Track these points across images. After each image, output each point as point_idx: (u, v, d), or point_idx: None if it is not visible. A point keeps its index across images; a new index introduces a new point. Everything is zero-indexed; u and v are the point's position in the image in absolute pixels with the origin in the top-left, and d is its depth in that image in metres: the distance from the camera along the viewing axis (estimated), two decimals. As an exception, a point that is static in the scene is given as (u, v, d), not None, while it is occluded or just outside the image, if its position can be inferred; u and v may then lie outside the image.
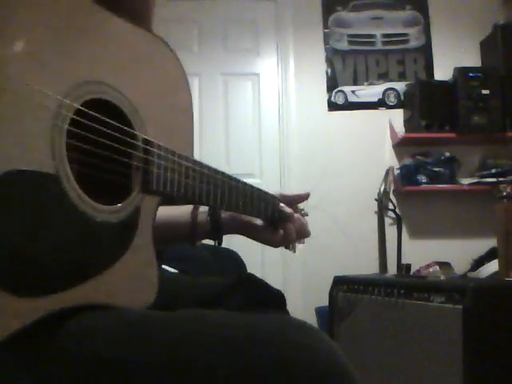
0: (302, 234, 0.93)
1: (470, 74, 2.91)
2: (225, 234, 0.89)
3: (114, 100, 0.59)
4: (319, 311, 2.73)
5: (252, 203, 0.82)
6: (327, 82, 3.28)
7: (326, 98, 3.26)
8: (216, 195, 0.74)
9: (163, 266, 1.30)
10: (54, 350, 0.50)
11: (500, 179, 2.79)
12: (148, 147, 0.62)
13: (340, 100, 3.26)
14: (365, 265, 2.75)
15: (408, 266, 2.69)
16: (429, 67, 3.29)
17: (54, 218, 0.51)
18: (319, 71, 3.29)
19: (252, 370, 0.46)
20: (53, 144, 0.51)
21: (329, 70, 3.29)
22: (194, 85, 3.32)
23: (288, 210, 0.90)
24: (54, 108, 0.51)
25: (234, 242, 1.28)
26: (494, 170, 2.96)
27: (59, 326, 0.51)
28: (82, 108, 0.54)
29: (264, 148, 3.28)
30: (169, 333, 0.50)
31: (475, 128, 2.87)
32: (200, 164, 0.72)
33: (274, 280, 0.83)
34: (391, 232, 2.93)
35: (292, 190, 3.46)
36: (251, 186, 0.83)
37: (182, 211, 0.87)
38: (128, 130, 0.60)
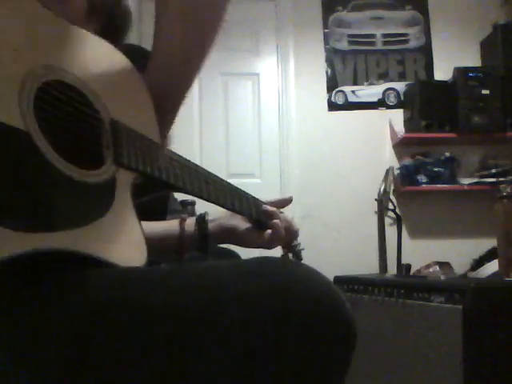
0: (291, 232, 0.94)
1: (470, 74, 2.91)
2: (212, 244, 0.90)
3: (76, 84, 0.62)
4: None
5: (232, 198, 0.83)
6: (327, 82, 3.27)
7: (326, 98, 3.26)
8: (192, 182, 0.74)
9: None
10: (55, 304, 0.51)
11: (500, 179, 2.79)
12: (115, 125, 0.64)
13: (340, 100, 3.26)
14: (365, 265, 2.75)
15: (408, 266, 2.69)
16: (429, 67, 3.29)
17: (30, 170, 0.53)
18: (319, 71, 3.29)
19: (239, 302, 0.49)
20: (21, 104, 0.54)
21: (329, 70, 3.29)
22: (194, 85, 3.32)
23: (270, 208, 0.91)
24: (23, 74, 0.55)
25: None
26: (494, 170, 2.96)
27: (58, 280, 0.53)
28: (49, 81, 0.58)
29: (264, 148, 3.28)
30: (157, 275, 0.53)
31: (475, 128, 2.87)
32: (169, 150, 0.73)
33: (274, 280, 0.83)
34: (391, 232, 2.93)
35: (292, 190, 3.44)
36: (228, 183, 0.84)
37: (169, 224, 0.88)
38: (94, 107, 0.63)
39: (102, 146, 0.63)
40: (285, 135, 3.27)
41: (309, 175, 3.20)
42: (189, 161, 0.76)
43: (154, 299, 0.50)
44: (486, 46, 3.18)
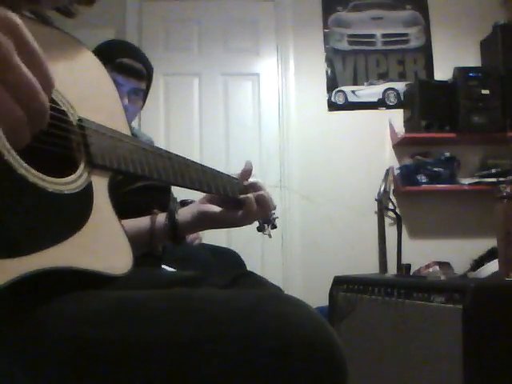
0: (265, 206, 0.92)
1: (470, 74, 2.91)
2: (186, 233, 0.91)
3: None
4: (319, 311, 2.73)
5: (208, 181, 0.83)
6: (327, 82, 3.28)
7: (326, 98, 3.26)
8: (167, 171, 0.74)
9: (163, 266, 1.30)
10: (40, 337, 0.50)
11: (500, 179, 2.79)
12: (83, 124, 0.62)
13: (340, 100, 3.26)
14: (365, 265, 2.75)
15: (408, 266, 2.69)
16: (429, 67, 3.29)
17: (4, 187, 0.50)
18: (319, 71, 3.29)
19: (232, 342, 0.48)
20: None
21: (329, 70, 3.29)
22: (194, 85, 3.32)
23: (244, 182, 0.91)
24: None
25: (234, 242, 1.28)
26: (493, 170, 2.96)
27: (42, 311, 0.52)
28: None
29: (264, 148, 3.28)
30: (152, 310, 0.52)
31: (475, 128, 2.87)
32: (141, 141, 0.72)
33: (273, 280, 0.83)
34: (391, 232, 2.93)
35: (292, 190, 3.44)
36: (202, 165, 0.84)
37: (141, 219, 0.89)
38: (58, 107, 0.60)
39: (73, 149, 0.60)
40: (285, 135, 3.27)
41: (309, 175, 3.20)
42: (160, 148, 0.75)
43: (147, 337, 0.49)
44: (486, 46, 3.18)
